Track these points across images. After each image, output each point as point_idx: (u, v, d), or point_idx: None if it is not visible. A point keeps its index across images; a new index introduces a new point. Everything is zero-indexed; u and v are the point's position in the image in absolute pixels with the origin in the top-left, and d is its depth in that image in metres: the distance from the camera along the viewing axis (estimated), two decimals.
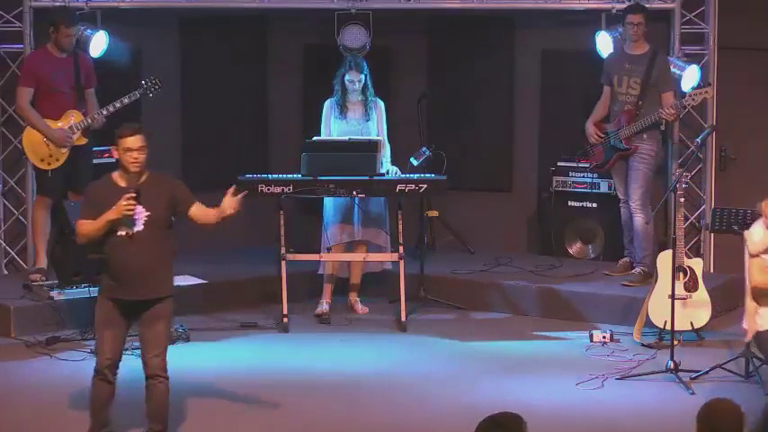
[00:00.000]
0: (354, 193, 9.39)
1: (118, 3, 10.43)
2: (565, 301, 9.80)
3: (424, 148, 10.02)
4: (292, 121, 11.26)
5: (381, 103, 9.83)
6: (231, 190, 7.15)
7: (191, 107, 11.17)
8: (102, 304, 6.93)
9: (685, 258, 8.88)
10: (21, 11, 10.29)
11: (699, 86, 9.77)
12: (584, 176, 10.63)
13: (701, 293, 8.90)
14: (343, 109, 9.72)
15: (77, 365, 8.50)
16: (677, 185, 8.61)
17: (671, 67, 10.03)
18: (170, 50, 11.08)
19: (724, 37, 10.44)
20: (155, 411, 7.01)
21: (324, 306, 9.77)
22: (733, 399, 5.03)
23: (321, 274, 9.87)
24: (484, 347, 9.06)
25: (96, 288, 8.86)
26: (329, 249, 9.65)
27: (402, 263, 9.55)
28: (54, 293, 9.31)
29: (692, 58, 10.35)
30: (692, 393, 7.82)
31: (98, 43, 10.12)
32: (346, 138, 9.57)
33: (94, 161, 9.99)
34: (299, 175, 9.41)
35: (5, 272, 10.45)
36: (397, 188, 9.42)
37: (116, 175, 6.91)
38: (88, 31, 10.10)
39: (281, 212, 9.46)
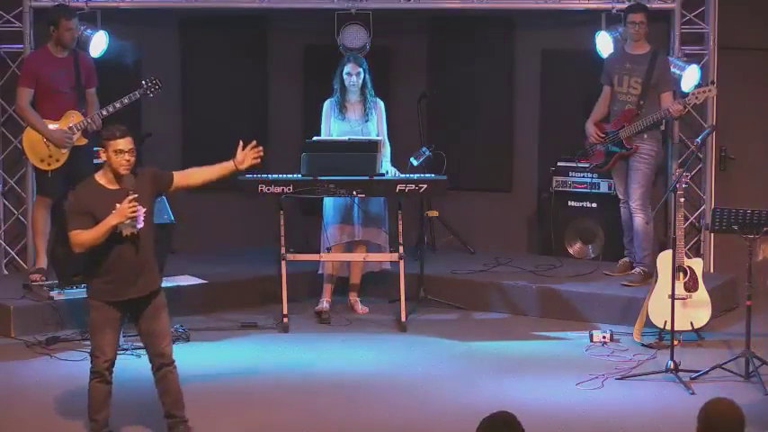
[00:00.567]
0: (354, 193, 9.39)
1: (118, 3, 10.44)
2: (565, 301, 9.80)
3: (424, 148, 10.02)
4: (292, 121, 11.26)
5: (381, 104, 9.83)
6: (241, 144, 7.21)
7: (191, 107, 11.18)
8: (99, 307, 6.85)
9: (685, 258, 8.88)
10: (21, 11, 10.30)
11: (702, 85, 9.76)
12: (584, 176, 10.63)
13: (701, 293, 8.90)
14: (342, 109, 9.72)
15: (77, 365, 8.49)
16: (677, 185, 8.60)
17: (671, 68, 10.03)
18: (170, 50, 11.09)
19: (724, 37, 10.44)
20: (176, 399, 6.99)
21: (324, 304, 9.77)
22: (732, 399, 5.03)
23: (321, 274, 9.87)
24: (484, 347, 9.06)
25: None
26: (329, 249, 9.65)
27: (402, 263, 9.55)
28: (54, 293, 9.31)
29: (692, 58, 10.35)
30: (692, 393, 7.81)
31: (98, 43, 10.13)
32: (346, 138, 9.57)
33: (95, 161, 10.00)
34: (299, 175, 9.41)
35: (5, 272, 10.46)
36: (397, 188, 9.41)
37: (101, 178, 6.84)
38: (88, 31, 10.11)
39: (281, 212, 9.46)
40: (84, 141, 9.68)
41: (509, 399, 7.69)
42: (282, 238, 9.45)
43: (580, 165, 10.48)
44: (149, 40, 10.84)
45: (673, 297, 8.30)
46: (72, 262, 8.93)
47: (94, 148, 9.93)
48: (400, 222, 9.54)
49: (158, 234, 8.93)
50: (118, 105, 9.62)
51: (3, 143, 10.41)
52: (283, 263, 9.46)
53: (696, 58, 10.40)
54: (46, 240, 9.74)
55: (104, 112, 9.64)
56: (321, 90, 9.95)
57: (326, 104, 9.78)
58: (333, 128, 9.70)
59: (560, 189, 10.78)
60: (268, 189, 9.39)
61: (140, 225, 6.74)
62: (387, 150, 9.66)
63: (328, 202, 9.70)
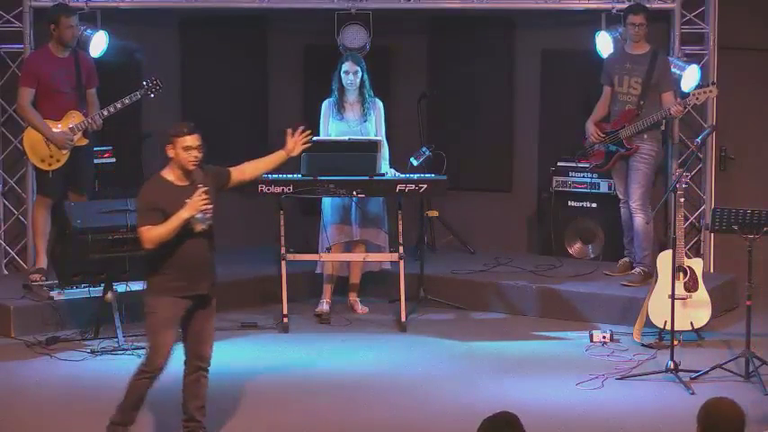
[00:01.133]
0: (354, 193, 9.39)
1: (118, 3, 10.43)
2: (565, 301, 9.80)
3: (424, 148, 10.02)
4: (292, 121, 11.16)
5: (380, 104, 9.82)
6: (289, 131, 7.37)
7: (191, 107, 11.17)
8: (164, 304, 6.74)
9: (685, 258, 8.88)
10: (21, 11, 10.30)
11: (702, 86, 9.76)
12: (584, 176, 10.63)
13: (701, 293, 8.90)
14: (340, 109, 9.71)
15: (77, 365, 8.51)
16: (677, 185, 8.60)
17: (671, 67, 10.03)
18: (170, 50, 11.09)
19: (724, 37, 10.44)
20: (203, 404, 6.99)
21: (324, 305, 9.77)
22: (734, 399, 5.02)
23: (320, 274, 9.87)
24: (484, 347, 9.06)
25: (97, 288, 8.98)
26: (329, 249, 9.65)
27: (402, 263, 9.55)
28: (54, 293, 9.31)
29: (692, 58, 10.35)
30: (692, 393, 7.81)
31: (98, 43, 10.13)
32: (346, 138, 9.57)
33: (95, 161, 10.01)
34: (299, 175, 9.41)
35: (5, 272, 10.45)
36: (397, 188, 9.42)
37: (168, 174, 6.83)
38: (88, 31, 10.11)
39: (281, 212, 9.46)
40: (84, 141, 9.68)
41: (509, 399, 7.69)
42: (282, 238, 9.45)
43: (580, 165, 10.48)
44: (149, 40, 10.84)
45: (673, 297, 8.30)
46: (72, 262, 8.95)
47: (95, 148, 10.00)
48: (400, 222, 9.54)
49: None
50: (119, 105, 9.63)
51: (3, 143, 10.41)
52: (283, 263, 9.46)
53: (696, 58, 10.40)
54: (46, 240, 9.74)
55: (105, 113, 9.65)
56: (321, 90, 9.94)
57: (325, 104, 9.78)
58: (331, 128, 9.70)
59: (560, 189, 10.78)
60: (268, 189, 9.39)
61: (209, 220, 6.75)
62: (385, 151, 9.64)
63: (327, 202, 9.70)
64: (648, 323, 8.91)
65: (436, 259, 10.58)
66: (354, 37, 10.57)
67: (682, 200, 8.72)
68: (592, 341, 9.05)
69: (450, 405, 7.74)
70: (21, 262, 10.47)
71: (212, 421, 7.49)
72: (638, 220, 9.80)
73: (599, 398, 7.87)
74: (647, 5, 10.10)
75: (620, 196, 10.08)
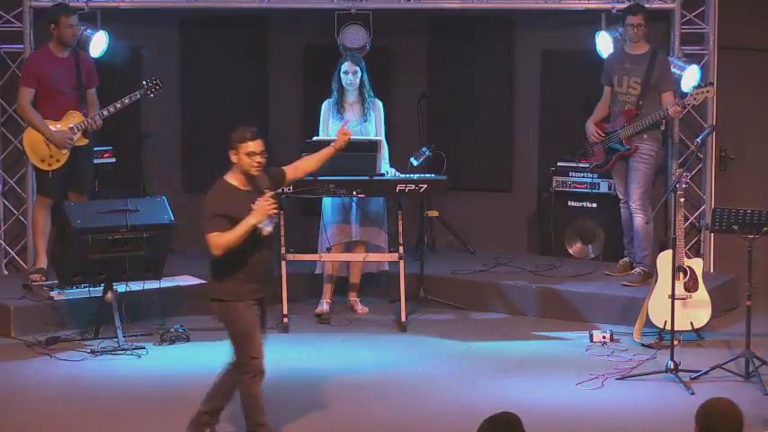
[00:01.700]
0: (354, 193, 9.39)
1: (118, 3, 10.44)
2: (565, 301, 9.80)
3: (424, 148, 10.01)
4: (292, 121, 11.25)
5: (380, 104, 9.82)
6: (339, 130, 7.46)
7: (191, 107, 11.17)
8: (246, 309, 6.75)
9: (685, 258, 8.88)
10: (21, 11, 10.30)
11: (700, 86, 9.76)
12: (584, 176, 10.63)
13: (701, 293, 8.90)
14: (340, 109, 9.71)
15: (77, 365, 8.51)
16: (677, 185, 8.60)
17: (671, 67, 10.03)
18: (170, 50, 11.09)
19: (724, 37, 10.44)
20: (262, 404, 6.93)
21: (324, 306, 9.77)
22: (732, 399, 5.02)
23: (319, 274, 9.87)
24: (484, 347, 9.06)
25: (97, 288, 8.97)
26: (329, 249, 9.65)
27: (402, 263, 9.54)
28: (54, 293, 9.31)
29: (691, 58, 10.35)
30: (692, 393, 7.81)
31: (98, 43, 10.13)
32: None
33: (95, 161, 10.01)
34: None
35: (5, 272, 10.46)
36: (397, 188, 9.41)
37: (232, 179, 6.82)
38: (88, 31, 10.11)
39: (282, 212, 9.45)
40: (84, 141, 9.69)
41: (509, 399, 7.70)
42: (282, 238, 9.45)
43: (580, 165, 10.48)
44: (149, 40, 10.84)
45: (673, 297, 8.30)
46: (72, 262, 8.95)
47: (95, 148, 10.00)
48: (400, 222, 9.54)
49: (158, 234, 8.99)
50: (119, 105, 9.63)
51: (3, 143, 10.41)
52: (283, 263, 9.46)
53: (696, 58, 10.40)
54: (46, 240, 9.74)
55: (105, 113, 9.65)
56: (321, 90, 9.94)
57: (324, 105, 9.78)
58: (331, 128, 9.69)
59: (560, 189, 10.78)
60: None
61: (274, 224, 6.77)
62: (385, 151, 9.64)
63: (327, 202, 9.70)
64: (648, 323, 8.92)
65: (436, 259, 10.58)
66: (354, 37, 10.56)
67: (682, 200, 8.72)
68: (592, 341, 9.05)
69: (450, 405, 7.74)
70: (21, 262, 10.47)
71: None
72: (638, 220, 9.80)
73: (599, 398, 7.87)
74: (647, 5, 10.11)
75: (620, 196, 10.08)
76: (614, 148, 9.92)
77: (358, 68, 9.67)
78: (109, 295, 8.88)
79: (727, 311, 9.81)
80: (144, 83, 9.72)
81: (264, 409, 6.88)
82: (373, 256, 9.76)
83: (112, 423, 7.47)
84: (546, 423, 7.23)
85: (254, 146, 6.78)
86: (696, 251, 10.48)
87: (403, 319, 9.49)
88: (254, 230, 6.67)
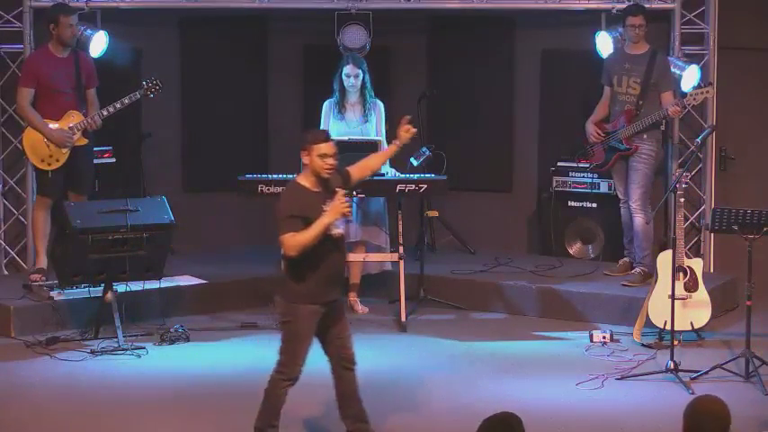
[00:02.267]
0: (354, 193, 9.39)
1: (118, 3, 10.43)
2: (565, 301, 9.80)
3: (424, 148, 10.02)
4: (292, 121, 11.25)
5: (381, 105, 9.83)
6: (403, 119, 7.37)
7: (191, 107, 11.17)
8: (304, 312, 6.73)
9: (685, 258, 8.88)
10: (21, 11, 10.29)
11: (700, 86, 9.76)
12: (584, 176, 10.63)
13: (701, 293, 8.90)
14: (341, 109, 9.73)
15: (77, 365, 8.50)
16: (677, 185, 8.60)
17: (671, 67, 10.03)
18: (170, 50, 11.09)
19: (724, 37, 10.44)
20: (361, 402, 6.98)
21: None
22: (720, 396, 5.03)
23: None
24: (484, 347, 9.06)
25: (97, 288, 8.98)
26: None
27: (402, 263, 9.54)
28: (54, 293, 9.31)
29: (692, 58, 10.34)
30: (692, 393, 7.79)
31: (98, 43, 10.12)
32: (346, 138, 9.57)
33: (95, 161, 10.00)
34: None
35: (5, 272, 10.45)
36: (397, 188, 9.42)
37: (303, 180, 6.79)
38: (88, 31, 10.11)
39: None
40: (84, 141, 9.68)
41: (509, 399, 7.69)
42: None
43: (580, 165, 10.48)
44: (149, 40, 10.84)
45: (673, 297, 8.30)
46: (72, 262, 8.95)
47: (95, 148, 10.00)
48: (400, 222, 9.54)
49: (158, 234, 8.99)
50: (118, 105, 9.63)
51: (3, 143, 10.40)
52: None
53: (696, 58, 10.40)
54: (46, 241, 9.74)
55: (105, 113, 9.65)
56: (321, 90, 9.95)
57: (325, 105, 9.79)
58: (331, 128, 9.69)
59: (560, 189, 10.78)
60: (268, 189, 9.39)
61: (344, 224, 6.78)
62: None
63: None
64: (648, 323, 8.91)
65: (436, 259, 10.58)
66: (354, 37, 10.56)
67: (682, 200, 8.72)
68: (592, 341, 9.05)
69: (450, 405, 7.74)
70: (21, 262, 10.46)
71: (213, 421, 7.49)
72: (638, 220, 9.79)
73: (599, 398, 7.87)
74: (647, 6, 10.10)
75: (621, 196, 10.08)
76: (614, 147, 9.92)
77: (360, 71, 9.68)
78: (109, 295, 8.88)
79: (727, 311, 9.80)
80: (144, 83, 9.72)
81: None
82: (373, 256, 9.76)
83: (112, 423, 7.47)
84: (546, 423, 7.23)
85: (327, 148, 6.74)
86: (696, 251, 10.47)
87: (403, 319, 9.49)
88: (327, 231, 6.67)
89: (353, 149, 9.40)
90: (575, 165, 10.56)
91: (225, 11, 10.87)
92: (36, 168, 9.78)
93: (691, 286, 8.87)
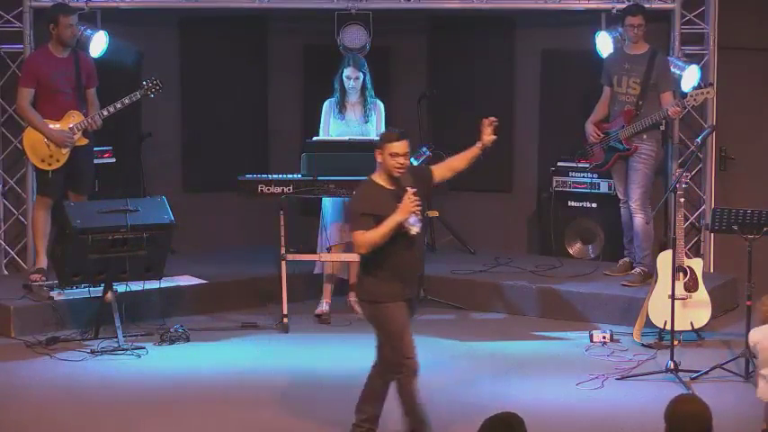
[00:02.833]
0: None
1: (118, 3, 10.43)
2: (565, 301, 9.80)
3: (424, 148, 10.01)
4: (292, 121, 11.26)
5: (381, 105, 9.83)
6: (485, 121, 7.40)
7: (191, 107, 11.17)
8: (396, 309, 6.77)
9: (685, 258, 8.88)
10: (21, 11, 10.29)
11: (700, 86, 9.75)
12: (584, 176, 10.63)
13: (701, 293, 8.90)
14: (342, 109, 9.73)
15: (77, 365, 8.51)
16: (677, 185, 8.61)
17: (671, 68, 10.03)
18: (170, 50, 11.09)
19: (724, 37, 10.44)
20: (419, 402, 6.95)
21: (324, 306, 9.77)
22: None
23: (319, 274, 9.87)
24: (484, 347, 9.06)
25: (97, 288, 8.98)
26: (329, 249, 9.65)
27: None
28: (54, 293, 9.31)
29: (692, 58, 10.34)
30: (692, 393, 7.81)
31: (98, 43, 10.12)
32: (346, 138, 9.57)
33: (95, 161, 10.00)
34: (299, 176, 9.42)
35: (5, 272, 10.45)
36: None
37: (377, 178, 6.86)
38: (88, 31, 10.11)
39: (281, 212, 9.46)
40: (84, 141, 9.68)
41: (509, 399, 7.70)
42: (282, 238, 9.45)
43: (580, 165, 10.47)
44: (149, 40, 10.83)
45: (673, 297, 8.30)
46: (72, 262, 8.95)
47: (95, 148, 10.00)
48: None
49: (158, 234, 8.99)
50: (119, 105, 9.63)
51: (3, 143, 10.40)
52: (283, 263, 9.46)
53: (696, 58, 10.40)
54: (46, 241, 9.74)
55: (105, 113, 9.65)
56: (321, 90, 9.95)
57: (326, 104, 9.79)
58: (332, 128, 9.71)
59: (560, 189, 10.77)
60: (268, 189, 9.40)
61: (420, 223, 6.77)
62: None
63: (327, 202, 9.70)
64: (648, 323, 8.92)
65: (436, 259, 10.58)
66: (354, 37, 10.56)
67: (682, 200, 8.72)
68: (592, 341, 9.06)
69: (450, 405, 7.73)
70: (21, 262, 10.46)
71: (213, 421, 7.49)
72: (638, 220, 9.80)
73: (599, 398, 7.87)
74: (647, 6, 10.10)
75: (620, 196, 10.08)
76: (614, 147, 9.92)
77: (360, 73, 9.68)
78: (109, 295, 8.88)
79: (727, 311, 9.80)
80: (144, 83, 9.72)
81: (423, 406, 6.88)
82: None
83: (112, 423, 7.47)
84: (546, 423, 7.22)
85: (399, 147, 6.80)
86: (696, 251, 10.47)
87: None
88: (402, 230, 6.68)
89: (353, 149, 9.43)
90: (574, 165, 10.56)
91: (225, 11, 10.87)
92: (36, 168, 9.79)
93: (691, 286, 8.87)
